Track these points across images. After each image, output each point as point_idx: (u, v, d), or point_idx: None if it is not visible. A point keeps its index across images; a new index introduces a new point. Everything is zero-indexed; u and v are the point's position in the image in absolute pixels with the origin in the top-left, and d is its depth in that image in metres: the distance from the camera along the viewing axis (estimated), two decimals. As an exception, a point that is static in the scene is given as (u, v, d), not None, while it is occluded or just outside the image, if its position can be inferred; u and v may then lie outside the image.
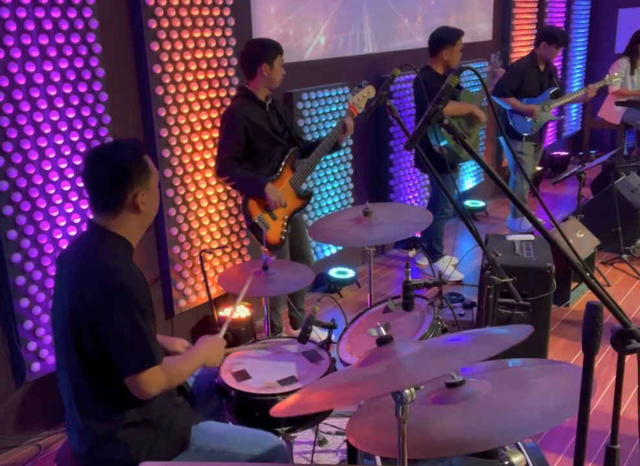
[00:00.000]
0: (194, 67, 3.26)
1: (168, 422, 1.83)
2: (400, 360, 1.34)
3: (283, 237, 3.29)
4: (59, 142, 2.76)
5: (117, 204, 1.76)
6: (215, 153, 3.44)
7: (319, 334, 2.79)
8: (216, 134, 3.44)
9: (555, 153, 7.13)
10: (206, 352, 1.97)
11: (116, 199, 1.76)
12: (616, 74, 5.34)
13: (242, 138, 3.14)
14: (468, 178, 5.85)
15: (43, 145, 2.70)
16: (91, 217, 1.86)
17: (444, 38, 4.18)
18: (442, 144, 4.09)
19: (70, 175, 2.82)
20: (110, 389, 1.75)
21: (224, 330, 2.14)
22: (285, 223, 3.31)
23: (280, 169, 3.26)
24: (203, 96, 3.34)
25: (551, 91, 5.05)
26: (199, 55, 3.28)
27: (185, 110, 3.26)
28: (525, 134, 5.01)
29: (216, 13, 3.33)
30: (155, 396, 1.75)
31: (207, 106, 3.37)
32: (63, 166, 2.79)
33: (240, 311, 3.57)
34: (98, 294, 1.68)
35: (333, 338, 2.29)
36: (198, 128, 3.35)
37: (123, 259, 1.75)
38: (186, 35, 3.19)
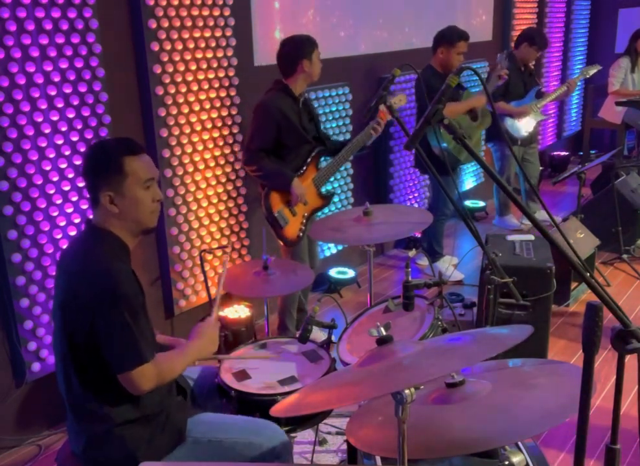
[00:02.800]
0: (194, 67, 3.26)
1: (164, 418, 1.83)
2: (399, 360, 1.34)
3: (301, 234, 3.31)
4: (59, 142, 2.76)
5: (96, 203, 1.80)
6: (215, 153, 3.45)
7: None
8: (216, 134, 3.44)
9: (555, 153, 7.13)
10: (200, 344, 1.94)
11: (94, 198, 1.80)
12: (595, 64, 5.35)
13: (274, 131, 3.16)
14: (468, 178, 5.85)
15: (43, 145, 2.70)
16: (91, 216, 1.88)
17: (444, 36, 4.19)
18: (442, 146, 4.09)
19: (70, 175, 2.82)
20: (104, 389, 1.75)
21: (215, 311, 2.08)
22: (304, 221, 3.32)
23: (305, 167, 3.28)
24: (203, 96, 3.34)
25: (535, 91, 5.07)
26: (199, 55, 3.28)
27: (185, 110, 3.26)
28: (520, 137, 5.03)
29: (216, 13, 3.33)
30: (149, 392, 1.76)
31: (207, 106, 3.37)
32: (63, 166, 2.79)
33: (240, 311, 3.57)
34: (89, 295, 1.69)
35: (333, 338, 2.29)
36: (198, 128, 3.35)
37: (114, 258, 1.75)
38: (186, 35, 3.19)
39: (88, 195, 1.83)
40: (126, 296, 1.70)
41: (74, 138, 2.81)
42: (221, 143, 3.48)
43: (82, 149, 2.84)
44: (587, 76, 5.39)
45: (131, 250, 1.85)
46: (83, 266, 1.74)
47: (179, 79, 3.21)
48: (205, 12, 3.27)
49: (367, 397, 1.50)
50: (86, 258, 1.76)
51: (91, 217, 1.86)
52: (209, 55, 3.33)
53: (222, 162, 3.50)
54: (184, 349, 1.92)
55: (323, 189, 3.42)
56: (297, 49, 3.18)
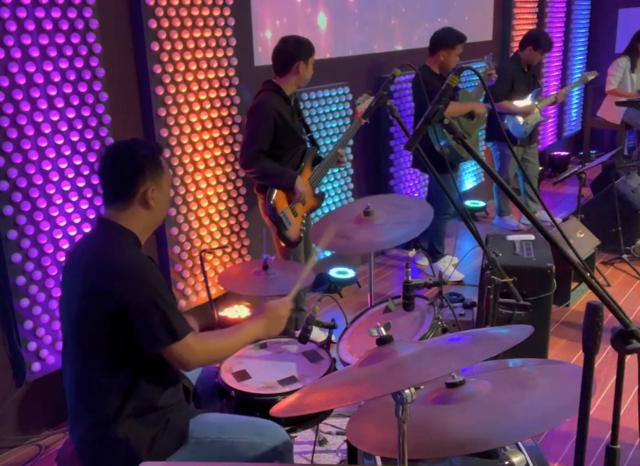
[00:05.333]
0: (194, 67, 3.26)
1: (167, 419, 1.83)
2: (399, 360, 1.34)
3: (302, 235, 3.31)
4: (60, 142, 2.76)
5: (128, 197, 1.81)
6: (215, 153, 3.46)
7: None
8: (216, 134, 3.44)
9: (555, 153, 7.13)
10: (263, 323, 1.92)
11: (128, 191, 1.81)
12: (594, 71, 5.36)
13: (272, 132, 3.14)
14: (468, 178, 5.85)
15: (43, 145, 2.70)
16: (102, 212, 1.89)
17: (445, 39, 4.20)
18: (442, 143, 4.09)
19: (71, 175, 2.82)
20: (116, 381, 1.75)
21: (293, 291, 2.02)
22: (303, 221, 3.32)
23: (302, 166, 3.29)
24: (203, 96, 3.34)
25: (537, 91, 5.08)
26: (199, 55, 3.28)
27: (185, 110, 3.26)
28: (520, 136, 5.03)
29: (216, 13, 3.33)
30: (195, 366, 1.83)
31: (207, 106, 3.37)
32: (63, 165, 2.79)
33: (240, 311, 3.58)
34: (114, 281, 1.70)
35: (333, 338, 2.29)
36: (198, 128, 3.35)
37: (132, 248, 1.80)
38: (186, 35, 3.19)
39: (118, 191, 1.83)
40: (151, 274, 1.74)
41: (74, 138, 2.81)
42: (221, 143, 3.48)
43: (82, 149, 2.84)
44: (586, 82, 5.41)
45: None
46: (100, 257, 1.76)
47: (179, 79, 3.21)
48: (205, 12, 3.27)
49: (367, 397, 1.50)
50: (102, 249, 1.78)
51: (103, 212, 1.88)
52: (209, 55, 3.33)
53: (222, 162, 3.51)
54: (239, 325, 1.92)
55: (317, 190, 3.42)
56: (296, 49, 3.16)
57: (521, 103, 5.02)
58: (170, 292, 1.80)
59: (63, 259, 2.82)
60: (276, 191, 3.18)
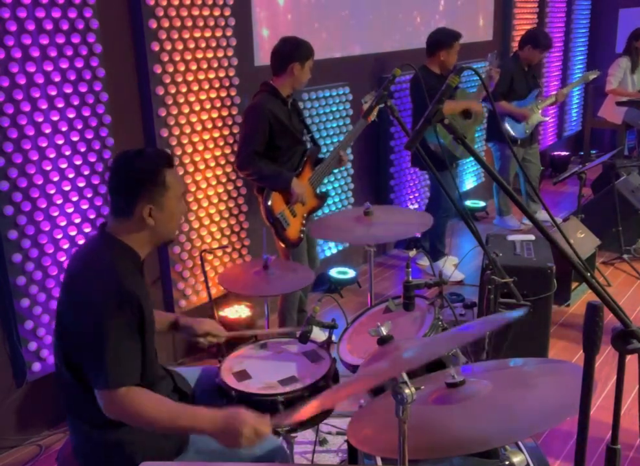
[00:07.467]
0: (194, 67, 3.26)
1: None
2: (400, 352, 1.33)
3: (302, 235, 3.29)
4: (60, 142, 2.76)
5: (126, 212, 1.75)
6: (216, 153, 3.45)
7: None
8: (216, 134, 3.44)
9: (556, 152, 7.13)
10: (220, 428, 1.67)
11: (125, 207, 1.75)
12: (595, 70, 5.36)
13: (267, 133, 3.12)
14: (468, 178, 5.85)
15: (44, 145, 2.70)
16: (104, 213, 1.87)
17: (442, 40, 4.21)
18: (440, 142, 4.09)
19: (71, 175, 2.82)
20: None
21: (271, 425, 1.70)
22: (304, 221, 3.31)
23: (301, 167, 3.28)
24: (203, 96, 3.34)
25: (537, 92, 5.08)
26: (199, 55, 3.28)
27: (186, 110, 3.26)
28: (520, 137, 5.03)
29: (216, 13, 3.33)
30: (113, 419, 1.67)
31: (208, 106, 3.37)
32: (64, 166, 2.79)
33: (240, 311, 3.57)
34: (79, 296, 1.69)
35: (333, 338, 2.29)
36: (199, 128, 3.35)
37: (115, 268, 1.71)
38: (186, 35, 3.19)
39: (118, 205, 1.77)
40: (117, 312, 1.65)
41: (75, 138, 2.81)
42: (221, 143, 3.48)
43: (82, 149, 2.84)
44: (587, 81, 5.41)
45: (143, 261, 1.83)
46: (80, 271, 1.74)
47: (180, 79, 3.21)
48: (206, 12, 3.27)
49: (369, 386, 1.49)
50: (85, 264, 1.75)
51: (106, 220, 1.84)
52: (209, 55, 3.33)
53: (222, 162, 3.51)
54: (193, 409, 1.72)
55: (318, 190, 3.41)
56: (293, 50, 3.14)
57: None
58: (131, 335, 1.68)
59: (63, 259, 2.82)
60: (273, 192, 3.18)
